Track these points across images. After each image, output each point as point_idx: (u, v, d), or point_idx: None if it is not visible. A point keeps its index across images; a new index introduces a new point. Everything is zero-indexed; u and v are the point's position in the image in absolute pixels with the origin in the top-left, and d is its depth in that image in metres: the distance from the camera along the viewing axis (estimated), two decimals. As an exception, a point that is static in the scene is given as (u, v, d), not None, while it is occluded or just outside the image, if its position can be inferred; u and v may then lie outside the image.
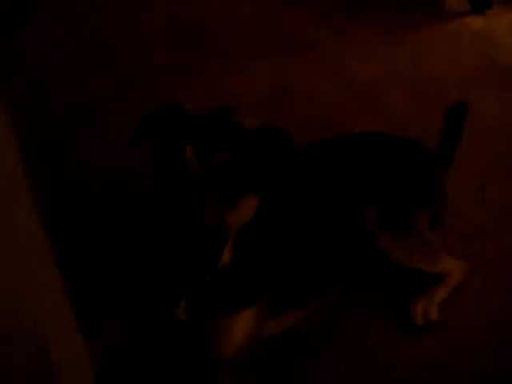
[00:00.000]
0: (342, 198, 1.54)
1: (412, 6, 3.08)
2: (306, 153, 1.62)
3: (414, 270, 1.61)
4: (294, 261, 1.41)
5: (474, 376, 1.49)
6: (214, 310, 1.28)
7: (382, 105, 2.31)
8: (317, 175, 1.55)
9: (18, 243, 0.72)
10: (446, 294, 1.64)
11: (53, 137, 2.09)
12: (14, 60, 2.44)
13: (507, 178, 2.06)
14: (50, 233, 0.80)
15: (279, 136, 1.22)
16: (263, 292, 1.32)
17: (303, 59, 2.56)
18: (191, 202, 1.06)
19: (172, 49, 2.61)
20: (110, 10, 2.84)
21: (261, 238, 1.30)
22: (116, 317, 1.39)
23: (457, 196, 1.83)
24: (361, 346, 1.53)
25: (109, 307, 1.41)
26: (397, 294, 1.66)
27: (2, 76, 2.12)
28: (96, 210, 1.84)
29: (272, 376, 1.42)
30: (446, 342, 1.56)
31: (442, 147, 1.78)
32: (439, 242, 1.65)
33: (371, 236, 1.55)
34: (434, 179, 1.66)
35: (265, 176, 1.18)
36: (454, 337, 1.58)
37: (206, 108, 1.22)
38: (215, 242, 1.10)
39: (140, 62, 2.53)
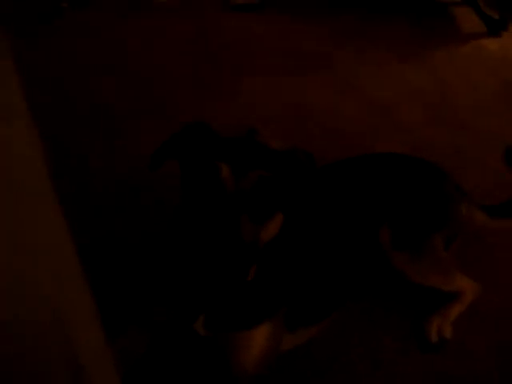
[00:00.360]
0: (358, 216, 1.57)
1: (428, 27, 3.12)
2: (322, 173, 1.66)
3: (429, 288, 1.65)
4: (311, 277, 1.45)
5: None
6: (231, 324, 1.30)
7: (398, 124, 2.34)
8: (333, 194, 1.59)
9: (39, 235, 0.75)
10: (459, 313, 1.67)
11: (72, 142, 2.16)
12: (38, 70, 2.50)
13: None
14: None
15: (304, 157, 1.27)
16: (280, 307, 1.35)
17: (317, 78, 2.60)
18: (228, 219, 1.08)
19: (185, 64, 2.66)
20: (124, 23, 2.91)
21: (280, 255, 1.33)
22: (139, 326, 1.43)
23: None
24: (373, 364, 1.56)
25: (132, 316, 1.45)
26: (409, 311, 1.70)
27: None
28: (119, 214, 1.89)
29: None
30: (456, 356, 1.59)
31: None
32: (453, 262, 1.68)
33: (386, 255, 1.59)
34: (450, 201, 1.69)
35: (290, 195, 1.22)
36: (464, 356, 1.60)
37: (233, 128, 1.26)
38: (249, 258, 1.12)
39: (154, 72, 2.59)
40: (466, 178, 1.81)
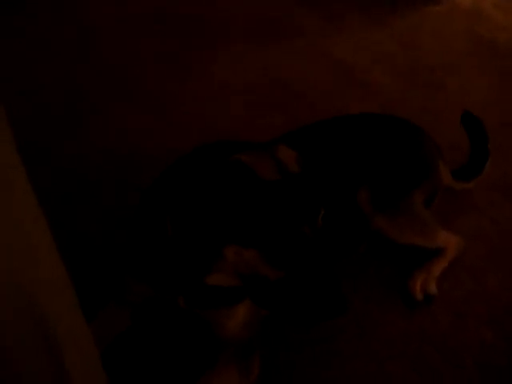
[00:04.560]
0: (335, 179, 1.56)
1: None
2: (297, 135, 1.64)
3: (410, 246, 1.65)
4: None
5: (472, 345, 1.53)
6: (211, 302, 1.30)
7: (371, 88, 2.33)
8: (309, 158, 1.58)
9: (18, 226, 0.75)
10: (443, 268, 1.67)
11: (43, 131, 2.11)
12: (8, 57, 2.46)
13: (501, 152, 2.08)
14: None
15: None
16: None
17: (290, 46, 2.57)
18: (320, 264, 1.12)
19: (156, 38, 2.61)
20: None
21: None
22: (118, 302, 1.42)
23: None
24: (360, 322, 1.56)
25: (110, 294, 1.44)
26: (395, 270, 1.70)
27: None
28: (92, 201, 1.87)
29: (274, 359, 1.46)
30: (443, 314, 1.60)
31: (471, 157, 1.85)
32: (434, 219, 1.68)
33: (366, 216, 1.58)
34: (427, 156, 1.69)
35: None
36: (452, 308, 1.61)
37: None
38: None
39: (126, 53, 2.54)
40: (436, 136, 1.80)
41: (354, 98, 2.26)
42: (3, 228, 0.73)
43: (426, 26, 2.74)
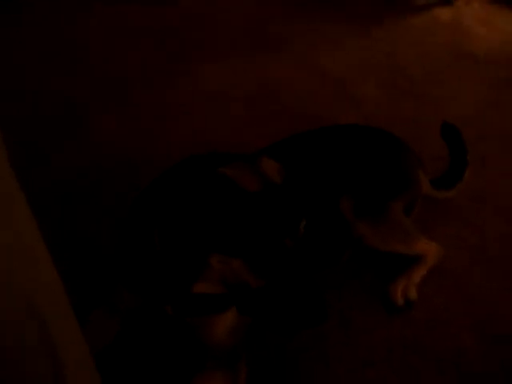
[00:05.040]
0: (317, 188, 1.59)
1: (384, 1, 3.15)
2: (281, 146, 1.68)
3: (391, 253, 1.69)
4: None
5: (453, 351, 1.56)
6: (197, 310, 1.32)
7: (354, 98, 2.38)
8: (292, 168, 1.61)
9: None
10: (423, 275, 1.71)
11: (34, 139, 2.14)
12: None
13: (482, 163, 2.12)
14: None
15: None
16: None
17: (277, 55, 2.62)
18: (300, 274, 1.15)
19: (146, 51, 2.65)
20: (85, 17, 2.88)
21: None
22: (108, 310, 1.44)
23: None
24: (344, 329, 1.59)
25: (101, 299, 1.46)
26: (377, 277, 1.74)
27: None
28: (85, 205, 1.89)
29: (260, 365, 1.48)
30: (425, 320, 1.63)
31: (451, 166, 1.90)
32: (414, 227, 1.72)
33: (348, 224, 1.62)
34: (408, 167, 1.73)
35: None
36: (433, 315, 1.65)
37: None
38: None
39: (115, 64, 2.57)
40: (418, 146, 1.85)
41: (340, 109, 2.30)
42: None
43: (408, 38, 2.81)
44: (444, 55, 2.68)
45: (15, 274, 0.78)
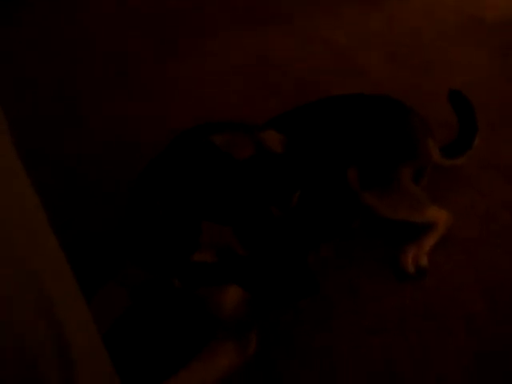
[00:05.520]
0: (323, 158, 1.58)
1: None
2: (286, 118, 1.67)
3: (401, 222, 1.68)
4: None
5: (463, 316, 1.56)
6: (201, 282, 1.33)
7: (358, 68, 2.34)
8: (297, 139, 1.60)
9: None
10: (434, 242, 1.70)
11: (39, 126, 2.13)
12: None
13: (491, 130, 2.10)
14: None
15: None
16: None
17: (279, 30, 2.58)
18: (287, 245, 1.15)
19: (146, 29, 2.62)
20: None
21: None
22: (117, 284, 1.45)
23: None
24: (353, 297, 1.59)
25: (109, 275, 1.47)
26: (387, 246, 1.72)
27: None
28: (93, 188, 1.89)
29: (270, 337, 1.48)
30: (435, 287, 1.63)
31: (460, 133, 1.87)
32: (424, 195, 1.70)
33: (356, 195, 1.61)
34: (415, 133, 1.71)
35: None
36: (444, 281, 1.64)
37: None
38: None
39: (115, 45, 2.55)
40: (427, 115, 1.82)
41: (343, 79, 2.27)
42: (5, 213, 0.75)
43: (415, 5, 2.75)
44: (452, 22, 2.63)
45: (16, 248, 0.78)
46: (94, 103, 2.22)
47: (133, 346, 1.43)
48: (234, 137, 1.19)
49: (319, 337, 1.50)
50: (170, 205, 1.18)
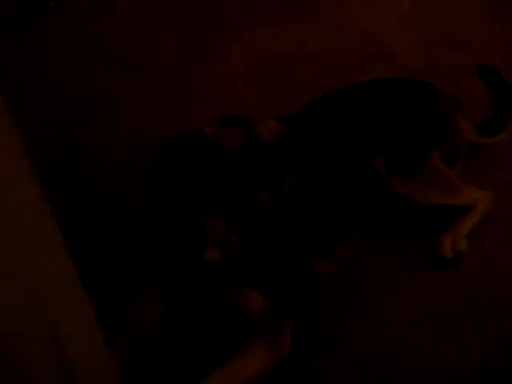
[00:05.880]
0: (353, 148, 1.55)
1: None
2: (313, 108, 1.65)
3: (437, 206, 1.63)
4: (314, 214, 1.44)
5: (504, 301, 1.51)
6: (232, 282, 1.31)
7: (388, 51, 2.27)
8: (326, 129, 1.57)
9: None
10: (472, 225, 1.64)
11: (66, 129, 2.14)
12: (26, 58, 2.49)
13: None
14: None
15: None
16: None
17: (306, 20, 2.50)
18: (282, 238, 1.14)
19: (172, 28, 2.60)
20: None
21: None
22: (147, 294, 1.47)
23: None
24: (391, 286, 1.56)
25: (138, 286, 1.49)
26: (424, 233, 1.68)
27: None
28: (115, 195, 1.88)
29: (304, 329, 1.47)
30: (476, 271, 1.58)
31: (495, 110, 1.80)
32: (458, 176, 1.65)
33: (385, 182, 1.57)
34: (442, 114, 1.65)
35: None
36: (485, 264, 1.59)
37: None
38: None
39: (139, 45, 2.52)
40: (459, 93, 1.76)
41: (374, 64, 2.21)
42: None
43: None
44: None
45: (21, 264, 0.80)
46: (110, 103, 2.24)
47: (168, 351, 1.45)
48: (225, 128, 1.20)
49: (356, 332, 1.48)
50: (169, 203, 1.19)
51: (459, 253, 1.59)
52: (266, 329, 1.36)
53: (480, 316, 1.48)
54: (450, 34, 2.32)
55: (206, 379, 1.31)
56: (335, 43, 2.36)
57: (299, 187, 1.19)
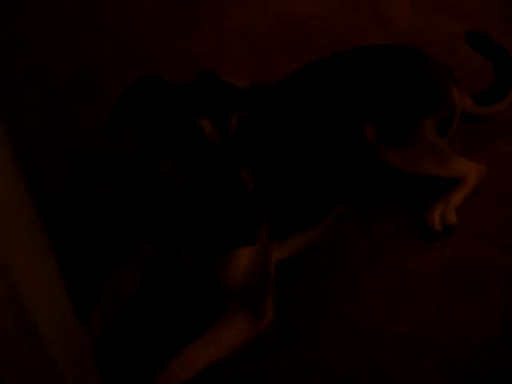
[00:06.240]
0: (341, 114, 1.51)
1: None
2: (304, 73, 1.60)
3: (426, 177, 1.59)
4: (294, 181, 1.41)
5: (497, 271, 1.47)
6: (211, 250, 1.27)
7: (384, 19, 2.22)
8: (315, 93, 1.53)
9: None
10: (463, 197, 1.60)
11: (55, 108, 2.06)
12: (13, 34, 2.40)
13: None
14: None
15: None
16: (260, 224, 1.29)
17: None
18: (227, 175, 1.06)
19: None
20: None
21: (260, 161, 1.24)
22: (129, 263, 1.43)
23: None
24: (377, 258, 1.52)
25: (117, 256, 1.44)
26: (411, 205, 1.64)
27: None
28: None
29: (290, 299, 1.44)
30: (465, 243, 1.54)
31: (496, 79, 1.75)
32: (449, 147, 1.60)
33: (374, 151, 1.53)
34: (435, 82, 1.60)
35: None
36: (473, 236, 1.56)
37: (184, 73, 1.19)
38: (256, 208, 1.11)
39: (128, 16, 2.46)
40: (458, 63, 1.71)
41: (369, 32, 2.16)
42: None
43: None
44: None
45: None
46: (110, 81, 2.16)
47: (146, 323, 1.41)
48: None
49: (347, 298, 1.45)
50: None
51: (449, 225, 1.55)
52: (248, 297, 1.32)
53: (467, 290, 1.44)
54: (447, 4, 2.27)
55: (186, 348, 1.27)
56: (330, 10, 2.30)
57: (253, 127, 1.12)
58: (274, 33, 2.26)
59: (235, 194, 1.05)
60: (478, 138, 1.80)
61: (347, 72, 1.57)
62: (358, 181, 1.58)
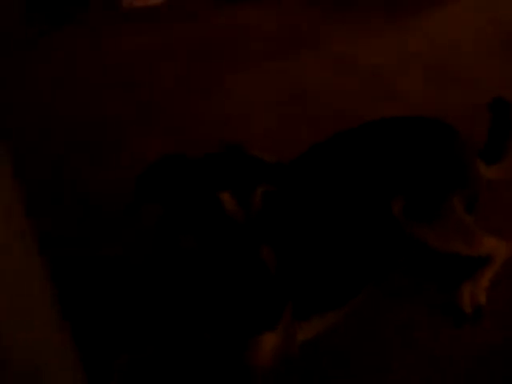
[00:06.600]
0: (367, 190, 1.45)
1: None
2: (328, 146, 1.55)
3: (454, 256, 1.52)
4: (319, 260, 1.35)
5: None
6: (235, 335, 1.20)
7: (398, 91, 2.22)
8: (340, 167, 1.47)
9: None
10: (492, 276, 1.53)
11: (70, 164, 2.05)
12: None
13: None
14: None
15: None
16: (284, 306, 1.17)
17: (311, 56, 2.47)
18: (248, 256, 0.99)
19: (179, 65, 2.54)
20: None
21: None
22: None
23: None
24: (406, 340, 1.44)
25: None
26: (440, 286, 1.57)
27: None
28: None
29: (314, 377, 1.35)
30: (494, 326, 1.47)
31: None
32: (476, 224, 1.54)
33: (402, 228, 1.46)
34: (463, 158, 1.55)
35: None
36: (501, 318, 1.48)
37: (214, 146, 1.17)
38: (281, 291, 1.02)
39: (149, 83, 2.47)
40: (473, 135, 1.67)
41: (383, 104, 2.15)
42: None
43: (449, 23, 2.62)
44: (493, 35, 2.47)
45: None
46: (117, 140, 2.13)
47: None
48: None
49: (373, 377, 1.36)
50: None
51: (479, 306, 1.47)
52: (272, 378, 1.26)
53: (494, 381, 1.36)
54: (456, 73, 2.27)
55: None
56: (347, 82, 2.28)
57: (277, 202, 1.07)
58: (284, 101, 2.24)
59: (256, 279, 0.98)
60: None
61: (374, 144, 1.52)
62: (386, 260, 1.50)
